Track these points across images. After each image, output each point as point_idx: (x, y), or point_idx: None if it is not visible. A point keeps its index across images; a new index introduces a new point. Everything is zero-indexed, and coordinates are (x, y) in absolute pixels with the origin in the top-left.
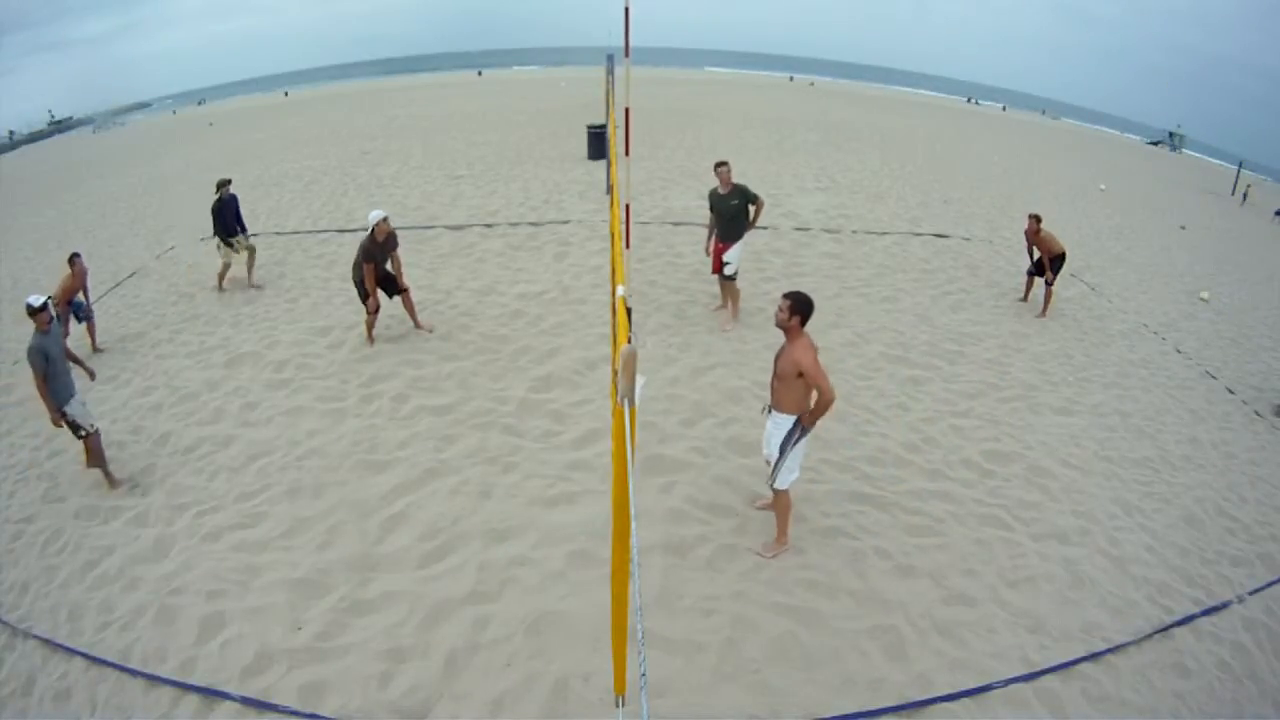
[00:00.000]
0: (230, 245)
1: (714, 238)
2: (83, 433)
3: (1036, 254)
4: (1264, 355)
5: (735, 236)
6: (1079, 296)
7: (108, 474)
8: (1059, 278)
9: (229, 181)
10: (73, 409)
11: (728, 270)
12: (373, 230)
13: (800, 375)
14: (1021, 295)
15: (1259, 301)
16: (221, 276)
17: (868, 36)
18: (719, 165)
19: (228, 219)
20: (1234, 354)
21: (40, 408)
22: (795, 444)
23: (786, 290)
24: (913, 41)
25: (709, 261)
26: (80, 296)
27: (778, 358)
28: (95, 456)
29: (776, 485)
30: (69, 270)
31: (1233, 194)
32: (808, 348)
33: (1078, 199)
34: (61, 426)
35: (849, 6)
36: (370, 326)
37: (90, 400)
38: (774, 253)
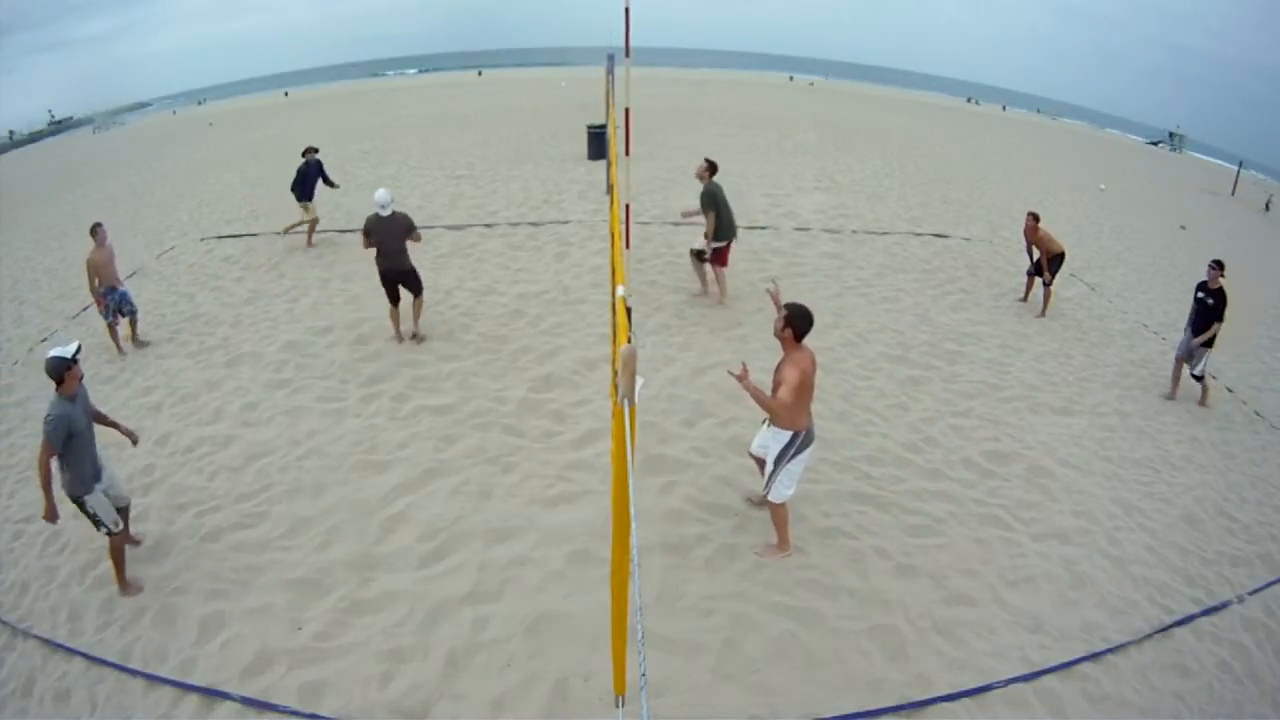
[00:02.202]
0: (305, 206)
1: None
2: (104, 530)
3: (1036, 253)
4: (1264, 355)
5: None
6: (1079, 296)
7: (122, 577)
8: (1058, 277)
9: (315, 150)
10: (95, 500)
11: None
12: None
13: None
14: (1022, 295)
15: (1258, 301)
16: (311, 231)
17: (867, 36)
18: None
19: (308, 183)
20: (1234, 354)
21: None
22: (791, 459)
23: (790, 300)
24: (913, 41)
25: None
26: (116, 282)
27: (776, 370)
28: (117, 555)
29: (771, 498)
30: (93, 243)
31: (1233, 194)
32: (797, 363)
33: (1078, 199)
34: (55, 522)
35: (849, 6)
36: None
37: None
38: (774, 253)
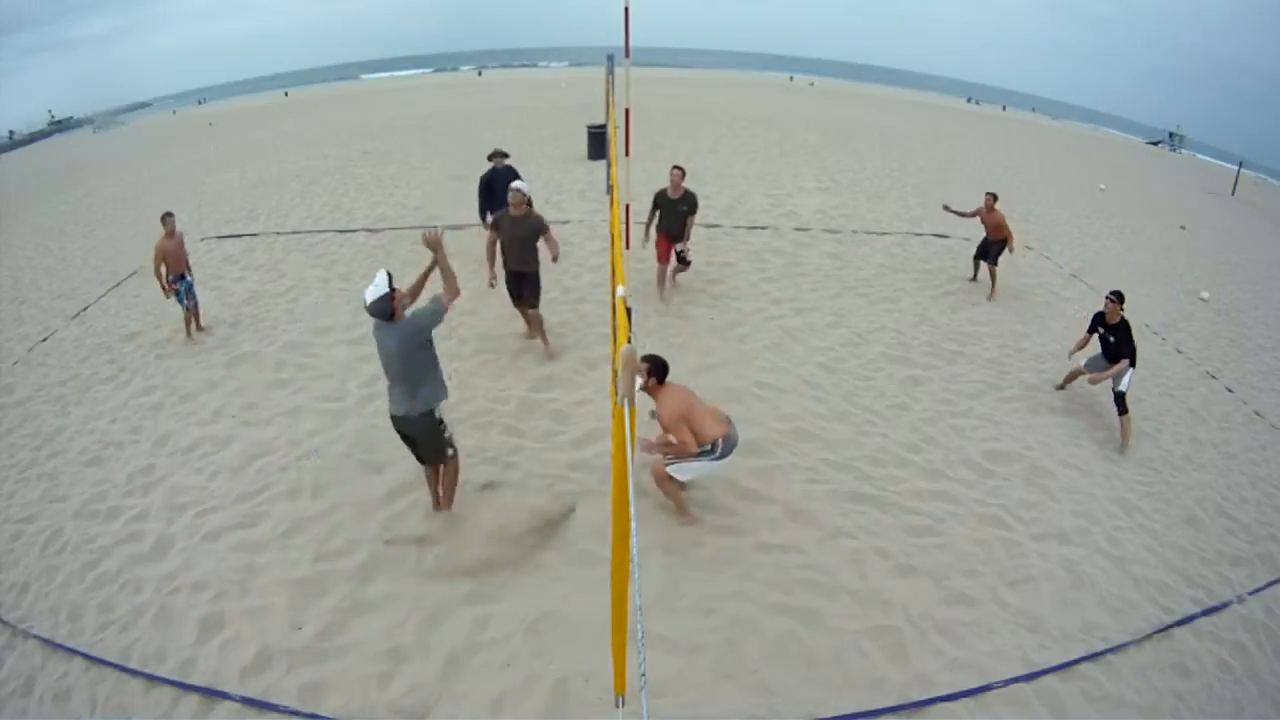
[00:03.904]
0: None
1: (661, 232)
2: (451, 451)
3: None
4: (1264, 355)
5: (679, 236)
6: (1079, 297)
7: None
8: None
9: (503, 154)
10: (446, 408)
11: (685, 257)
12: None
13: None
14: (971, 275)
15: (1259, 301)
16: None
17: (868, 36)
18: (675, 168)
19: (495, 193)
20: (1234, 354)
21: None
22: (700, 460)
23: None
24: (913, 41)
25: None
26: (184, 270)
27: (654, 416)
28: (455, 474)
29: (669, 469)
30: (163, 230)
31: (1233, 194)
32: (666, 404)
33: (1077, 199)
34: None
35: (849, 6)
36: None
37: (89, 400)
38: (774, 253)
